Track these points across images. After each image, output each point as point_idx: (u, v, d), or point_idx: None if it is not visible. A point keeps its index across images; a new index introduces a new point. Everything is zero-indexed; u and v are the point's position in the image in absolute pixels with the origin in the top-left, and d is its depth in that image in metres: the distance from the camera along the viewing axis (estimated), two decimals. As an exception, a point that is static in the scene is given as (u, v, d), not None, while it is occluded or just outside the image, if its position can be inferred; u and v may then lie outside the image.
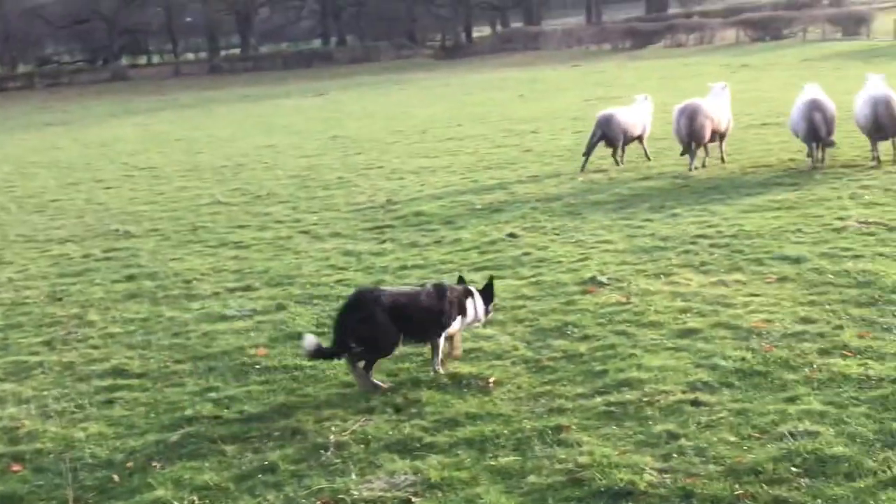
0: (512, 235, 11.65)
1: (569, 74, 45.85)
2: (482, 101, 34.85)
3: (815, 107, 14.05)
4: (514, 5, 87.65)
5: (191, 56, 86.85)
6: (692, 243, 10.51)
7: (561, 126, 23.74)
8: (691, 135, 14.87)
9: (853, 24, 52.73)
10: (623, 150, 16.45)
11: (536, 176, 16.11)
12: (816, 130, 13.95)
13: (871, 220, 10.74)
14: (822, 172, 13.97)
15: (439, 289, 7.25)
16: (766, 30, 56.25)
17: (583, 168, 16.13)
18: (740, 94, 22.43)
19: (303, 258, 11.52)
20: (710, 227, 11.19)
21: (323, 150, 22.99)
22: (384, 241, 12.04)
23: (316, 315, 9.04)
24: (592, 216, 12.45)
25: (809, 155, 14.52)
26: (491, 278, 7.86)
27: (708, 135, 15.03)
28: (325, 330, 7.93)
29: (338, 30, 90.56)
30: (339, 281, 10.22)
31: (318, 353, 6.95)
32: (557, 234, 11.57)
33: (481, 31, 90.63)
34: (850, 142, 15.55)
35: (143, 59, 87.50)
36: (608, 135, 16.07)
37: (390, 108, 34.72)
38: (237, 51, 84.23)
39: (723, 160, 15.62)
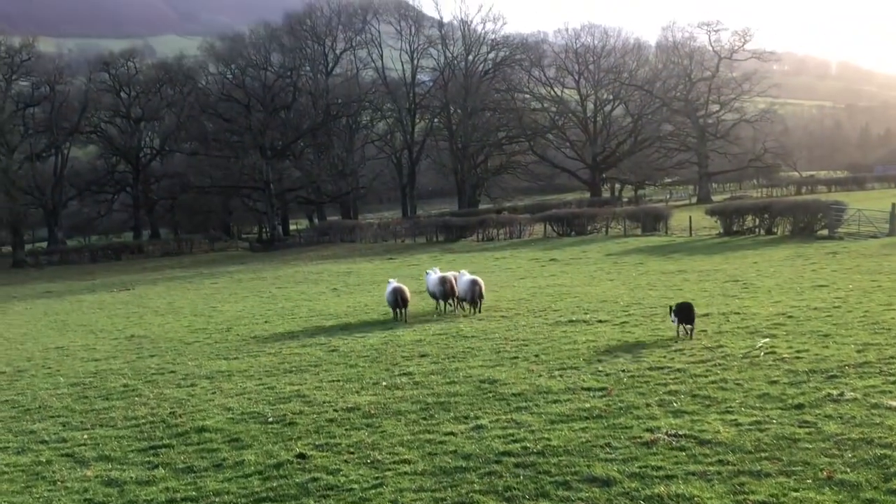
0: (301, 457, 10.46)
1: (384, 267, 45.73)
2: (294, 294, 33.92)
3: (475, 282, 22.82)
4: (330, 200, 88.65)
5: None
6: (497, 462, 9.64)
7: (371, 321, 22.98)
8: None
9: (651, 221, 55.35)
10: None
11: (338, 381, 15.07)
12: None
13: (681, 431, 10.18)
14: (630, 376, 13.54)
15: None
16: (571, 225, 58.32)
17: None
18: (548, 287, 22.42)
19: (57, 491, 9.96)
20: (515, 441, 10.37)
21: (115, 351, 21.33)
22: (157, 466, 10.61)
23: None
24: (392, 429, 11.45)
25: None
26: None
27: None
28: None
29: (151, 222, 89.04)
30: (93, 523, 8.77)
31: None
32: (352, 453, 10.48)
33: (298, 224, 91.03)
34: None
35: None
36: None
37: (198, 304, 33.27)
38: (44, 244, 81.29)
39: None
